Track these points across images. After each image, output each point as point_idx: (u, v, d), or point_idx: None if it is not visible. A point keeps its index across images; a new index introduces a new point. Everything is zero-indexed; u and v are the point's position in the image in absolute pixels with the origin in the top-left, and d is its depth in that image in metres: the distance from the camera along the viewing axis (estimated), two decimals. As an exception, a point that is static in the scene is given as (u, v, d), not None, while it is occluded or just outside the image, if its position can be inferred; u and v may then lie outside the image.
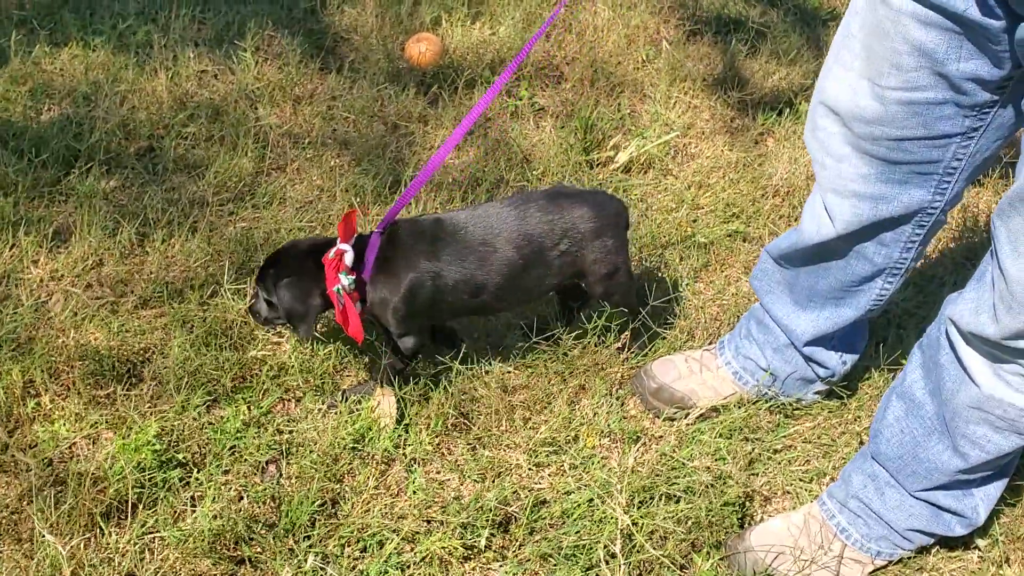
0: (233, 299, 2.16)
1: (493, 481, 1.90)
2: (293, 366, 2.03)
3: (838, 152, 1.70)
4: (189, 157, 2.56)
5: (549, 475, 1.93)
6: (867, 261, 1.81)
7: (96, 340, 2.04)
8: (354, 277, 1.85)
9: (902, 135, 1.59)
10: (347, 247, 1.82)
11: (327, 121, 2.77)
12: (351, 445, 1.90)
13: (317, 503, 1.79)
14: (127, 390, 1.96)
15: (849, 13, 1.63)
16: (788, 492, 2.02)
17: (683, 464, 1.95)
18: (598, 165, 2.79)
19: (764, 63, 3.33)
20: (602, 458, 1.99)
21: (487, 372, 2.07)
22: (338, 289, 1.83)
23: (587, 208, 2.00)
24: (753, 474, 2.03)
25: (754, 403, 2.12)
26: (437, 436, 1.96)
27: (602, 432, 2.03)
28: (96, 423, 1.89)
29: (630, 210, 2.12)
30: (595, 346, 2.19)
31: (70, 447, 1.86)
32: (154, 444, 1.80)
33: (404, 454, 1.92)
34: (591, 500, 1.84)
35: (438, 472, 1.92)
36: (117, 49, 2.85)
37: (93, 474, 1.77)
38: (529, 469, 1.93)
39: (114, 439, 1.85)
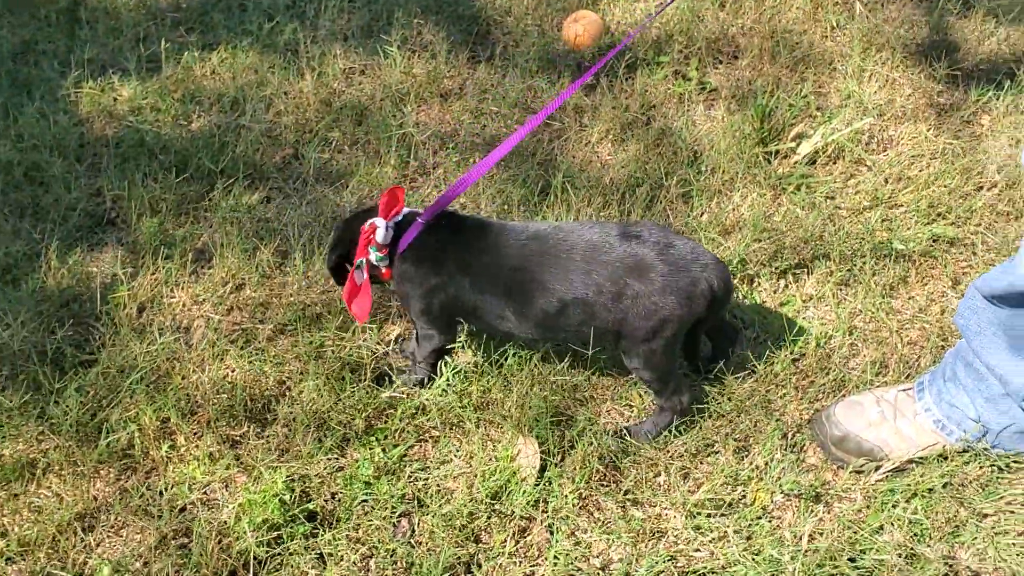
0: (370, 328, 2.03)
1: (646, 546, 1.69)
2: (431, 408, 1.87)
3: None
4: (332, 165, 2.44)
5: (710, 541, 1.68)
6: None
7: (232, 374, 1.96)
8: (385, 255, 1.81)
9: None
10: (382, 222, 1.78)
11: (476, 118, 2.58)
12: (488, 499, 1.73)
13: (449, 570, 1.64)
14: (260, 429, 1.87)
15: None
16: (1001, 568, 1.68)
17: (871, 537, 1.66)
18: (778, 157, 2.45)
19: (979, 23, 2.85)
20: (774, 521, 1.72)
21: (643, 415, 1.85)
22: (360, 263, 1.79)
23: (666, 267, 1.70)
24: (958, 542, 1.70)
25: (960, 455, 1.79)
26: (583, 491, 1.76)
27: (774, 490, 1.76)
28: (229, 465, 1.82)
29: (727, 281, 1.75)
30: (767, 380, 1.91)
31: (204, 492, 1.79)
32: (283, 494, 1.71)
33: (546, 512, 1.73)
34: (758, 581, 1.59)
35: (584, 532, 1.72)
36: (265, 50, 2.77)
37: (221, 527, 1.69)
38: (687, 533, 1.70)
39: (246, 485, 1.77)
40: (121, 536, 1.73)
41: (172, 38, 2.83)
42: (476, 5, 2.94)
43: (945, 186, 2.34)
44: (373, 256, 1.81)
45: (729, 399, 1.88)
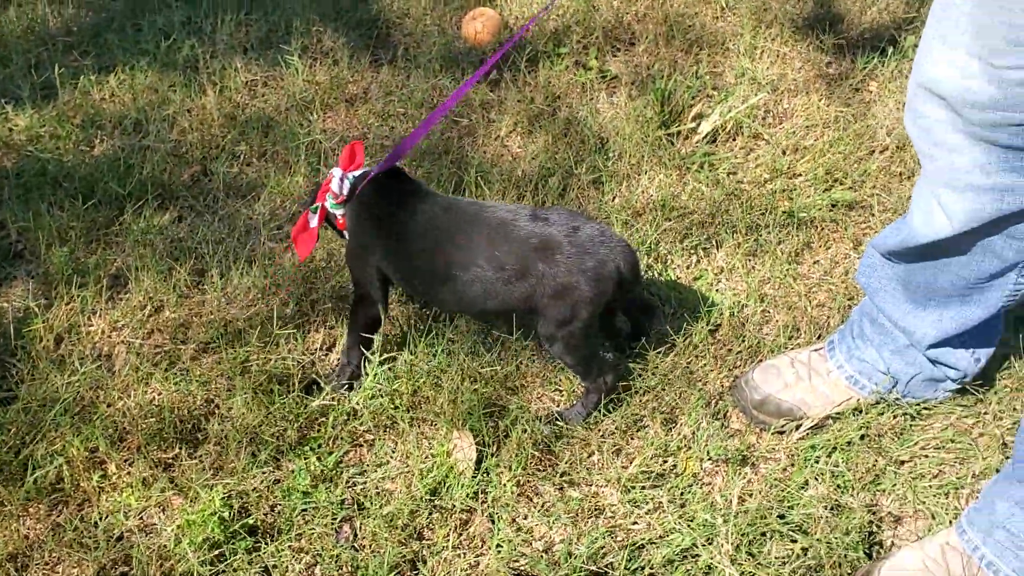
0: (294, 339, 2.03)
1: (585, 524, 1.73)
2: (363, 412, 1.89)
3: (948, 141, 1.42)
4: (242, 179, 2.43)
5: (646, 513, 1.74)
6: (995, 256, 1.53)
7: (159, 396, 1.94)
8: (340, 204, 1.89)
9: None
10: (338, 172, 1.88)
11: (383, 120, 2.59)
12: (428, 496, 1.75)
13: (395, 570, 1.66)
14: (192, 449, 1.86)
15: None
16: (921, 511, 1.78)
17: (797, 493, 1.73)
18: (680, 138, 2.53)
19: (861, -5, 2.98)
20: (705, 487, 1.79)
21: (572, 397, 1.90)
22: (316, 207, 1.89)
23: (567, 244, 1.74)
24: (879, 490, 1.80)
25: (874, 407, 1.88)
26: (520, 478, 1.80)
27: (703, 457, 1.83)
28: (164, 488, 1.80)
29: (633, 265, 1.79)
30: (687, 353, 1.98)
31: (140, 518, 1.77)
32: (221, 511, 1.70)
33: (486, 502, 1.76)
34: (694, 545, 1.65)
35: (524, 518, 1.76)
36: (164, 68, 2.74)
37: (161, 552, 1.68)
38: (624, 508, 1.75)
39: (183, 506, 1.76)
40: (58, 572, 1.70)
41: (66, 63, 2.77)
42: (374, 9, 2.95)
43: (840, 153, 2.45)
44: (329, 203, 1.89)
45: (653, 374, 1.94)
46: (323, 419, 1.90)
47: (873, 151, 2.48)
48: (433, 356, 1.94)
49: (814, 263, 2.23)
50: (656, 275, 2.18)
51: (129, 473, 1.83)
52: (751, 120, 2.54)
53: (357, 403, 1.91)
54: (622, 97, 2.64)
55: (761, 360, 1.98)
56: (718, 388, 1.96)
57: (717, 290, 2.17)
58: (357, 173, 1.91)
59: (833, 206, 2.34)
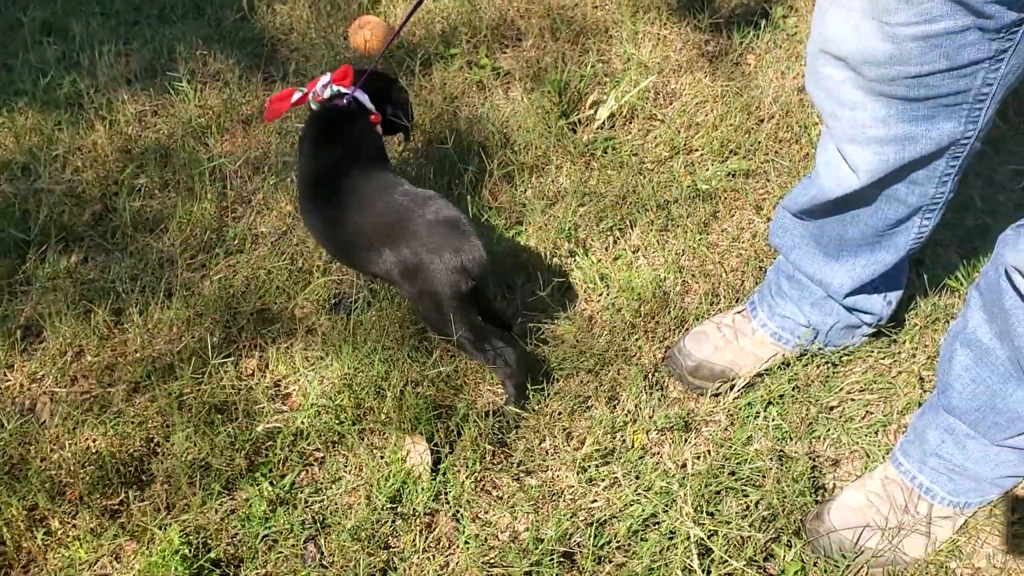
0: (224, 367, 2.00)
1: (547, 509, 1.77)
2: (309, 431, 1.88)
3: (850, 99, 1.52)
4: (147, 212, 2.37)
5: (604, 489, 1.79)
6: (899, 203, 1.65)
7: (94, 443, 1.88)
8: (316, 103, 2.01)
9: (922, 71, 1.42)
10: (327, 78, 2.00)
11: (283, 137, 2.57)
12: (389, 505, 1.76)
13: (368, 579, 1.66)
14: (140, 492, 1.81)
15: None
16: (856, 451, 1.89)
17: (742, 449, 1.82)
18: (580, 126, 2.59)
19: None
20: (655, 457, 1.86)
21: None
22: (302, 88, 2.02)
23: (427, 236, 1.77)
24: (815, 437, 1.90)
25: (799, 359, 1.99)
26: (478, 474, 1.82)
27: (649, 428, 1.89)
28: (116, 535, 1.75)
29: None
30: (621, 331, 2.04)
31: (93, 570, 1.72)
32: (182, 549, 1.67)
33: (447, 502, 1.78)
34: (655, 513, 1.71)
35: (487, 512, 1.79)
36: (45, 107, 2.64)
37: (124, 599, 1.64)
38: (582, 488, 1.80)
39: (138, 551, 1.71)
40: (15, 637, 1.64)
41: (-65, 112, 2.65)
42: (257, 27, 2.91)
43: (731, 125, 2.56)
44: (310, 96, 2.00)
45: (590, 355, 2.00)
46: (270, 443, 1.89)
47: (761, 120, 2.60)
48: (371, 365, 1.95)
49: (722, 231, 2.33)
50: (578, 259, 2.23)
51: (75, 526, 1.77)
52: (644, 103, 2.63)
53: (302, 423, 1.90)
54: (518, 92, 2.69)
55: (688, 328, 2.06)
56: (653, 360, 2.03)
57: (637, 267, 2.24)
58: (342, 90, 1.99)
59: (731, 176, 2.45)
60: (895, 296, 1.91)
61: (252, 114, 2.64)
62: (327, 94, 1.99)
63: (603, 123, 2.59)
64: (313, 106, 2.01)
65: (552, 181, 2.43)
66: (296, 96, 2.00)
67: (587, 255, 2.25)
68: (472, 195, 2.33)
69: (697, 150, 2.53)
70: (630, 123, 2.63)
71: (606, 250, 2.28)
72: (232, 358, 2.03)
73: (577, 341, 2.04)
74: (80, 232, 2.33)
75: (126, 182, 2.44)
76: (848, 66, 1.48)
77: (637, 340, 2.06)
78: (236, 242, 2.28)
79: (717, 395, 1.95)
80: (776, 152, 2.50)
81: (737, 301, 2.15)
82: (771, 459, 1.79)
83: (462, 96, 2.69)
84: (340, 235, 1.88)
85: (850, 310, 1.89)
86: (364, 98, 2.03)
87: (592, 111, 2.59)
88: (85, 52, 2.82)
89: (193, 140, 2.54)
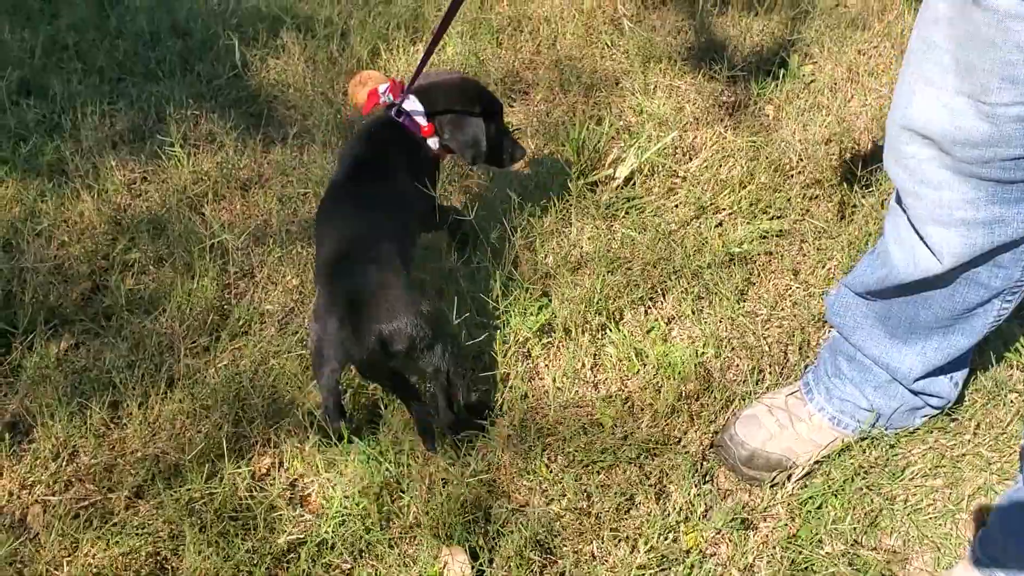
0: (239, 467, 1.83)
1: (600, 623, 1.62)
2: (335, 541, 1.71)
3: (935, 179, 1.40)
4: (141, 291, 2.19)
5: (662, 600, 1.64)
6: (980, 286, 1.53)
7: (95, 559, 1.70)
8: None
9: (1021, 153, 1.30)
10: (384, 87, 1.97)
11: (284, 204, 2.41)
12: (429, 625, 1.60)
13: None
14: (149, 617, 1.64)
15: (925, 22, 1.32)
16: (927, 545, 1.75)
17: (811, 552, 1.68)
18: (599, 185, 2.46)
19: (738, 19, 3.01)
20: (715, 559, 1.71)
21: (557, 485, 1.78)
22: (387, 85, 1.98)
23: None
24: (880, 530, 1.76)
25: (858, 443, 1.85)
26: (523, 585, 1.67)
27: (703, 527, 1.74)
28: (123, 669, 1.57)
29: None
30: (664, 416, 1.90)
31: None
32: None
33: (492, 619, 1.62)
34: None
35: (535, 628, 1.63)
36: (27, 176, 2.46)
37: None
38: (637, 598, 1.64)
39: None
40: None
41: (-94, 182, 2.45)
42: (252, 83, 2.76)
43: (759, 182, 2.44)
44: (387, 96, 1.96)
45: (632, 444, 1.85)
46: (293, 555, 1.72)
47: (789, 175, 2.48)
48: (395, 464, 1.79)
49: (759, 299, 2.20)
50: (610, 333, 2.09)
51: (77, 659, 1.58)
52: (664, 159, 2.51)
53: (327, 532, 1.73)
54: (529, 148, 2.56)
55: (737, 411, 1.92)
56: (700, 447, 1.89)
57: (672, 340, 2.10)
58: (396, 100, 1.95)
59: (764, 237, 2.33)
60: (960, 376, 1.79)
61: (251, 178, 2.48)
62: (384, 102, 1.96)
63: (622, 182, 2.46)
64: (386, 100, 1.96)
65: (574, 246, 2.29)
66: (382, 88, 1.97)
67: (619, 328, 2.11)
68: (495, 266, 2.18)
69: (724, 209, 2.41)
70: (650, 181, 2.50)
71: (638, 322, 2.14)
72: (244, 457, 1.86)
73: (616, 426, 1.89)
74: (69, 314, 2.14)
75: (117, 257, 2.26)
76: (935, 145, 1.36)
77: (682, 424, 1.91)
78: (241, 323, 2.12)
79: (774, 486, 1.81)
80: (808, 211, 2.39)
81: (784, 377, 2.02)
82: (844, 563, 1.65)
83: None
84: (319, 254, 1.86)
85: (915, 393, 1.76)
86: (415, 107, 1.95)
87: (611, 170, 2.46)
88: (67, 113, 2.65)
89: (188, 209, 2.38)
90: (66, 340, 2.10)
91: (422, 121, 1.96)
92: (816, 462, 1.83)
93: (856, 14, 3.06)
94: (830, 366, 1.84)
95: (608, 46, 2.95)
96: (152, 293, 2.19)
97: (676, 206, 2.41)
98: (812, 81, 2.83)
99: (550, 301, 2.15)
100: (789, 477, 1.81)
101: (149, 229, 2.32)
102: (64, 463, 1.86)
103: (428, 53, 1.87)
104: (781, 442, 1.83)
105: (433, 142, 1.99)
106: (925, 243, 1.47)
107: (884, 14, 3.05)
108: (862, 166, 2.44)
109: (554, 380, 2.00)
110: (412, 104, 1.96)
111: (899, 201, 1.53)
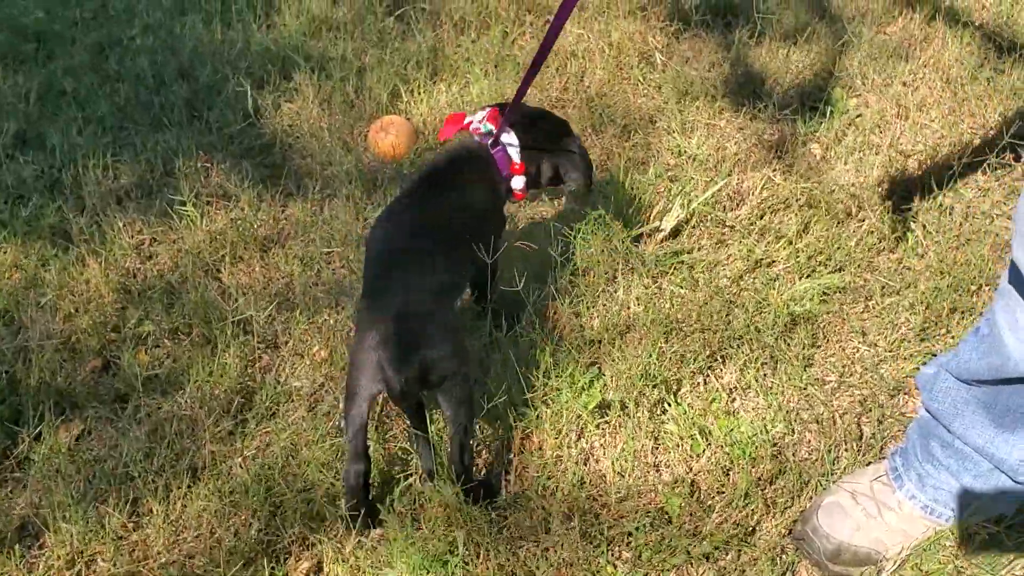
0: (274, 573, 1.65)
1: None
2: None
3: None
4: (157, 367, 2.02)
5: None
6: None
7: None
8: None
9: None
10: (481, 115, 1.90)
11: (307, 266, 2.24)
12: None
13: None
14: None
15: None
16: (1036, 646, 1.60)
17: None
18: (644, 239, 2.30)
19: (776, 51, 2.86)
20: (805, 672, 1.55)
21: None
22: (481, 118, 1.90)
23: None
24: (982, 629, 1.61)
25: (951, 532, 1.70)
26: None
27: (793, 634, 1.58)
28: None
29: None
30: (736, 505, 1.74)
31: None
32: None
33: None
34: None
35: None
36: (27, 239, 2.28)
37: None
38: None
39: None
40: None
41: None
42: (265, 132, 2.59)
43: (813, 232, 2.28)
44: (483, 128, 1.88)
45: (702, 536, 1.69)
46: None
47: (844, 221, 2.33)
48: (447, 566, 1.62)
49: (826, 364, 2.04)
50: (669, 408, 1.93)
51: None
52: (711, 208, 2.35)
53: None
54: (568, 199, 2.39)
55: (817, 499, 1.76)
56: (777, 538, 1.73)
57: (735, 413, 1.94)
58: (493, 129, 1.87)
59: (825, 294, 2.17)
60: (1067, 462, 1.63)
61: (269, 236, 2.30)
62: (483, 129, 1.88)
63: (668, 234, 2.30)
64: (485, 130, 1.89)
65: (621, 308, 2.12)
66: (475, 120, 1.90)
67: (678, 402, 1.95)
68: (539, 334, 2.01)
69: (779, 262, 2.25)
70: (697, 231, 2.34)
71: (698, 394, 1.97)
72: (279, 561, 1.69)
73: (684, 517, 1.73)
74: (79, 397, 1.97)
75: (129, 330, 2.09)
76: None
77: (756, 512, 1.75)
78: (267, 404, 1.94)
79: (864, 582, 1.66)
80: (870, 264, 2.23)
81: (860, 453, 1.86)
82: None
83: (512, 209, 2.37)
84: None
85: (1020, 483, 1.60)
86: (511, 141, 1.88)
87: (657, 222, 2.29)
88: (67, 167, 2.47)
89: (203, 274, 2.20)
90: (76, 427, 1.92)
91: (516, 157, 1.89)
92: (907, 555, 1.68)
93: (897, 43, 2.92)
94: (921, 450, 1.68)
95: (640, 82, 2.79)
96: (169, 371, 2.01)
97: (728, 259, 2.26)
98: (859, 116, 2.67)
99: (601, 372, 1.98)
100: (879, 573, 1.65)
101: (162, 297, 2.15)
102: (80, 571, 1.68)
103: (526, 82, 1.79)
104: (869, 533, 1.67)
105: (519, 181, 1.92)
106: None
107: (927, 43, 2.90)
108: (919, 211, 2.29)
109: (612, 464, 1.83)
110: (509, 137, 1.88)
111: (1015, 285, 1.38)
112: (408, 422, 1.79)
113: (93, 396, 1.97)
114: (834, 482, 1.79)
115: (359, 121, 2.62)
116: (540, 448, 1.84)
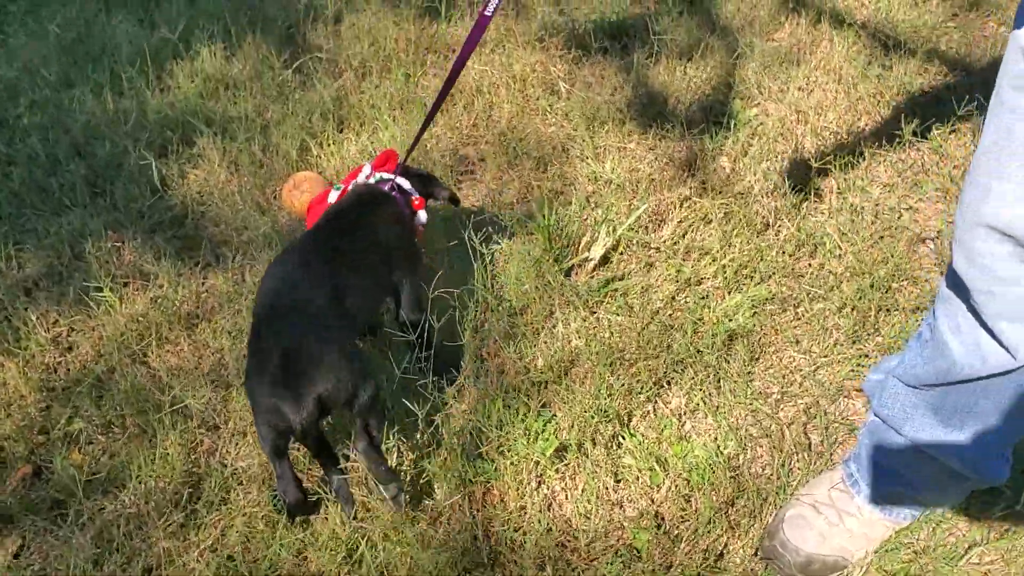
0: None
1: None
2: None
3: (1011, 275, 1.30)
4: (95, 467, 1.93)
5: None
6: None
7: None
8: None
9: None
10: (368, 168, 1.99)
11: (237, 338, 2.17)
12: None
13: None
14: None
15: (1000, 115, 1.22)
16: (1002, 632, 1.66)
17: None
18: (577, 271, 2.31)
19: (673, 68, 2.92)
20: None
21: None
22: (338, 186, 1.97)
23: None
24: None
25: (908, 529, 1.76)
26: None
27: (775, 655, 1.61)
28: None
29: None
30: (700, 533, 1.76)
31: None
32: None
33: None
34: None
35: None
36: (-68, 347, 2.15)
37: None
38: None
39: None
40: None
41: None
42: (174, 202, 2.50)
43: (738, 247, 2.33)
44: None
45: (672, 568, 1.71)
46: None
47: (762, 230, 2.39)
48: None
49: (767, 375, 2.09)
50: (623, 442, 1.94)
51: None
52: (635, 232, 2.38)
53: None
54: (496, 239, 2.39)
55: (779, 514, 1.80)
56: (745, 560, 1.75)
57: (687, 436, 1.97)
58: (385, 176, 1.97)
59: (754, 306, 2.22)
60: (1010, 450, 1.70)
61: (193, 312, 2.23)
62: (373, 181, 1.97)
63: (598, 263, 2.32)
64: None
65: (563, 343, 2.13)
66: (333, 195, 1.94)
67: (631, 434, 1.96)
68: (480, 383, 2.00)
69: (706, 279, 2.29)
70: (624, 257, 2.36)
71: (649, 424, 1.99)
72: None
73: (654, 552, 1.74)
74: (12, 510, 1.86)
75: (59, 430, 1.99)
76: (1015, 242, 1.26)
77: (721, 536, 1.78)
78: (217, 492, 1.88)
79: (835, 593, 1.70)
80: (793, 271, 2.29)
81: (813, 465, 1.90)
82: None
83: (438, 250, 2.36)
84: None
85: (968, 477, 1.67)
86: (406, 184, 2.00)
87: (586, 252, 2.31)
88: (-37, 262, 2.35)
89: (130, 361, 2.12)
90: (13, 542, 1.82)
91: (415, 195, 2.01)
92: (871, 560, 1.73)
93: (787, 49, 3.01)
94: (871, 451, 1.73)
95: (547, 111, 2.81)
96: (108, 469, 1.92)
97: (658, 281, 2.29)
98: (760, 125, 2.75)
99: (553, 414, 1.98)
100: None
101: (89, 391, 2.06)
102: None
103: (421, 131, 2.01)
104: (834, 542, 1.72)
105: (423, 215, 2.04)
106: (998, 339, 1.37)
107: (815, 46, 3.01)
108: (831, 213, 2.37)
109: (576, 506, 1.84)
110: (402, 181, 2.01)
111: (955, 290, 1.43)
112: (313, 456, 1.76)
113: (27, 507, 1.87)
114: (793, 495, 1.83)
115: (270, 181, 2.56)
116: (503, 500, 1.83)
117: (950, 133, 2.66)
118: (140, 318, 2.19)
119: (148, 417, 1.98)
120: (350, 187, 1.98)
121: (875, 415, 1.70)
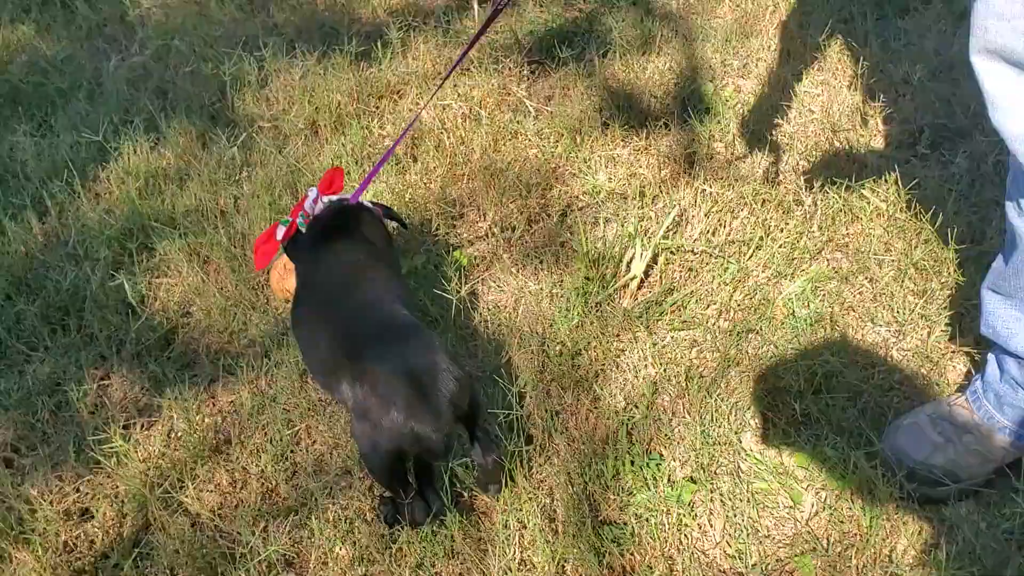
0: None
1: None
2: None
3: None
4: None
5: None
6: None
7: None
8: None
9: None
10: (314, 192, 1.85)
11: (279, 459, 1.89)
12: None
13: None
14: None
15: None
16: None
17: None
18: (622, 293, 2.13)
19: (634, 65, 2.79)
20: None
21: None
22: (285, 220, 1.82)
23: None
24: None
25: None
26: None
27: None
28: None
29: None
30: (873, 542, 1.60)
31: None
32: None
33: None
34: None
35: None
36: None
37: None
38: None
39: None
40: None
41: None
42: (155, 321, 2.19)
43: (776, 236, 2.20)
44: (299, 221, 1.81)
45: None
46: None
47: (788, 211, 2.27)
48: None
49: (857, 355, 1.96)
50: (743, 466, 1.76)
51: None
52: (667, 238, 2.22)
53: None
54: (521, 279, 2.19)
55: (897, 421, 1.70)
56: (914, 550, 1.61)
57: (806, 442, 1.81)
58: (334, 198, 1.85)
59: (816, 290, 2.09)
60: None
61: (220, 441, 1.94)
62: (319, 208, 1.83)
63: (638, 279, 2.14)
64: (303, 229, 1.81)
65: (634, 380, 1.93)
66: (280, 231, 1.81)
67: (747, 453, 1.79)
68: (588, 444, 1.79)
69: (753, 271, 2.15)
70: (660, 266, 2.19)
71: (756, 438, 1.83)
72: None
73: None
74: None
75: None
76: None
77: (887, 539, 1.62)
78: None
79: (939, 501, 1.62)
80: (847, 246, 2.17)
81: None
82: None
83: (455, 309, 2.13)
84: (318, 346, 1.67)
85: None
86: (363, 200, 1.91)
87: (629, 274, 2.13)
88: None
89: (163, 509, 1.81)
90: None
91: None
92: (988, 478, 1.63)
93: (738, 24, 2.92)
94: (998, 371, 1.64)
95: (523, 133, 2.62)
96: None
97: (717, 286, 2.12)
98: (737, 104, 2.64)
99: (660, 456, 1.79)
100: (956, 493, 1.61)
101: (127, 559, 1.74)
102: None
103: (375, 171, 1.96)
104: (946, 454, 1.65)
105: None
106: None
107: (761, 15, 2.93)
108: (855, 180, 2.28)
109: (725, 549, 1.65)
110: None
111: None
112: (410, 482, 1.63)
113: None
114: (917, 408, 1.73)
115: (251, 271, 2.28)
116: (650, 568, 1.63)
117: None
118: (160, 458, 1.88)
119: (216, 571, 1.69)
120: (323, 207, 1.84)
121: (981, 334, 1.62)
